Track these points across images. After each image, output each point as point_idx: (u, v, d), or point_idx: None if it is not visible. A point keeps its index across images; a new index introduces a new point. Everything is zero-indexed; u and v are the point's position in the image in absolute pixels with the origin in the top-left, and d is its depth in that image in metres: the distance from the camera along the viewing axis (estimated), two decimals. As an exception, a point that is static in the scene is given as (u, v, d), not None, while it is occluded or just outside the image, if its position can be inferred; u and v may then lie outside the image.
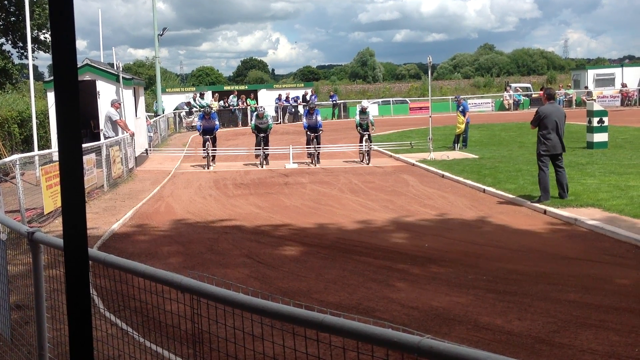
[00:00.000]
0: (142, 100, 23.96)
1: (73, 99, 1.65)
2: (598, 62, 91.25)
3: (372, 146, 20.46)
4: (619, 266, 7.94)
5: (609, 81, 45.36)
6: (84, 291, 1.75)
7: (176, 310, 3.32)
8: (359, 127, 20.05)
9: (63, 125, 1.66)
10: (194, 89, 46.07)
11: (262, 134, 20.10)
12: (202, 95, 40.49)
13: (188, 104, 38.59)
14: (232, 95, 41.03)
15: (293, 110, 41.37)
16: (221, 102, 40.02)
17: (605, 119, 19.71)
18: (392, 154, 21.44)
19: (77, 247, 1.72)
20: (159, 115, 34.41)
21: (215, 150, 20.65)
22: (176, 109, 38.54)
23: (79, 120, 1.68)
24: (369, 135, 19.77)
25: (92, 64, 20.01)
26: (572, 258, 8.34)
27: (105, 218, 11.74)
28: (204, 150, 20.11)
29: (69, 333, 1.77)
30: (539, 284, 7.14)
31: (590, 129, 19.80)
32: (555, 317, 6.04)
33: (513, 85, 52.90)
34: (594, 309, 6.26)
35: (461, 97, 25.14)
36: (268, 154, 20.31)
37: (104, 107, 19.02)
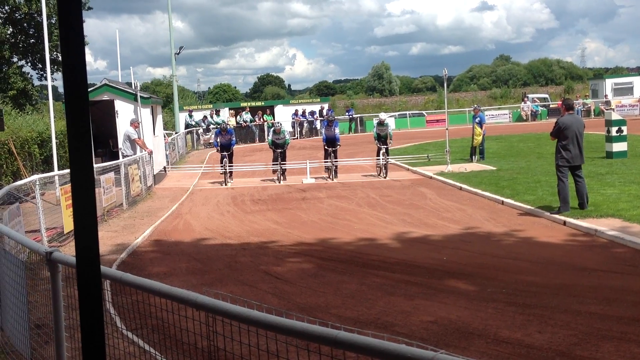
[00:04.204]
0: (159, 118, 24.18)
1: (84, 124, 1.67)
2: (616, 71, 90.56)
3: (390, 159, 20.44)
4: (640, 277, 7.84)
5: (627, 90, 44.98)
6: (97, 311, 1.76)
7: (192, 328, 3.34)
8: (377, 140, 20.05)
9: (74, 147, 1.69)
10: (211, 106, 46.37)
11: (279, 149, 20.14)
12: (217, 112, 40.70)
13: (204, 118, 38.90)
14: (244, 112, 41.12)
15: (310, 125, 41.48)
16: (238, 117, 40.24)
17: (624, 128, 19.53)
18: (410, 167, 21.39)
19: (90, 268, 1.74)
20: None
21: (233, 166, 20.75)
22: (195, 125, 38.84)
23: (90, 141, 1.71)
24: (386, 148, 19.74)
25: (110, 84, 20.29)
26: (593, 269, 8.25)
27: (124, 236, 11.83)
28: (221, 166, 20.21)
29: (82, 351, 1.78)
30: (559, 296, 7.07)
31: (609, 139, 19.62)
32: (576, 329, 5.97)
33: (530, 95, 52.62)
34: (615, 320, 6.18)
35: (480, 106, 25.04)
36: (285, 170, 20.35)
37: (122, 126, 19.26)
